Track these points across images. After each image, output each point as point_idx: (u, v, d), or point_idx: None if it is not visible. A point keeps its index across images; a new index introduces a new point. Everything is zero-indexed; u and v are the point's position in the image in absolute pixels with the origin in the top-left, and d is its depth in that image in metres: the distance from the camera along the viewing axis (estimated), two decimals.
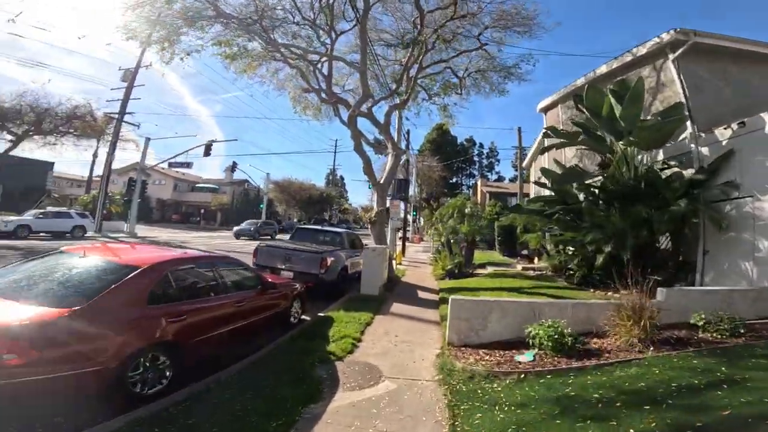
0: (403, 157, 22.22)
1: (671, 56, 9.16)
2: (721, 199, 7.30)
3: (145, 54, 21.85)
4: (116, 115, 25.87)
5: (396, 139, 18.47)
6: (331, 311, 7.59)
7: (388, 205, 18.43)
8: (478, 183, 43.64)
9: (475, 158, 62.54)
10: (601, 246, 7.46)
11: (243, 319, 5.14)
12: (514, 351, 5.07)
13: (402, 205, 17.52)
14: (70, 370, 3.02)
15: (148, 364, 3.73)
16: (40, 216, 20.72)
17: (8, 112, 17.53)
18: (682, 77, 8.87)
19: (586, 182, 9.04)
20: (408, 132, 23.06)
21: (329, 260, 8.75)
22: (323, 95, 13.57)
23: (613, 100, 8.52)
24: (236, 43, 11.66)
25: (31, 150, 21.25)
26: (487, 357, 4.95)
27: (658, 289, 5.80)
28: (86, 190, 37.76)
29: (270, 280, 6.19)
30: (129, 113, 26.62)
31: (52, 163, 36.83)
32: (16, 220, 19.20)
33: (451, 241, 13.90)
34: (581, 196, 10.02)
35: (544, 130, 17.03)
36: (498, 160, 64.95)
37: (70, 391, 3.11)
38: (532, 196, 21.53)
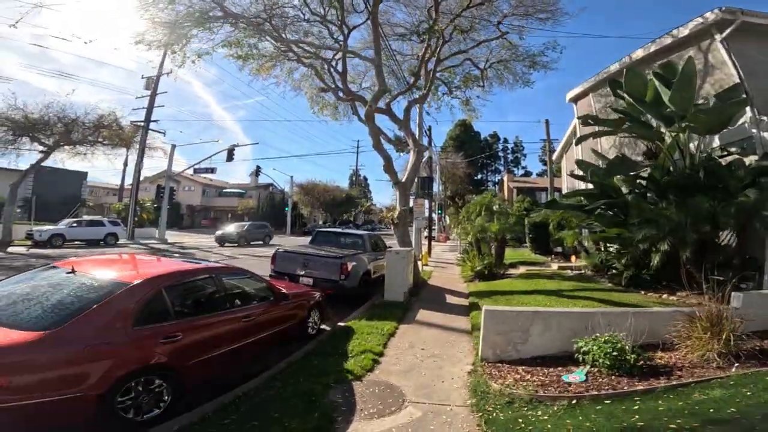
0: (426, 154, 21.55)
1: (718, 37, 8.23)
2: None
3: (166, 61, 22.17)
4: (142, 123, 26.48)
5: (417, 136, 17.82)
6: (353, 320, 7.05)
7: (411, 204, 17.84)
8: (505, 179, 42.23)
9: (500, 154, 60.82)
10: (655, 243, 6.55)
11: (253, 334, 4.67)
12: (560, 369, 4.35)
13: (426, 203, 16.82)
14: (44, 397, 2.71)
15: (140, 389, 3.31)
16: (74, 225, 21.39)
17: (37, 123, 18.02)
18: (734, 58, 7.84)
19: (632, 173, 8.07)
20: (429, 128, 22.37)
21: (350, 265, 8.22)
22: (340, 94, 13.10)
23: (658, 84, 7.59)
24: (247, 43, 11.37)
25: (62, 161, 21.96)
26: (529, 376, 4.24)
27: (733, 293, 4.90)
28: (119, 198, 39.06)
29: (284, 289, 5.71)
30: (154, 121, 27.23)
31: (86, 173, 38.27)
32: (50, 229, 19.82)
33: (480, 240, 13.10)
34: (625, 189, 9.07)
35: (577, 119, 15.98)
36: (524, 155, 63.02)
37: (49, 418, 2.78)
38: (564, 190, 20.33)
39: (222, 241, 24.66)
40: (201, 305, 4.11)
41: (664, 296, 7.78)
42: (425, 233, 21.09)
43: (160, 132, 28.33)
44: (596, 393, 3.68)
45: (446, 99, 17.14)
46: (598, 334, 4.23)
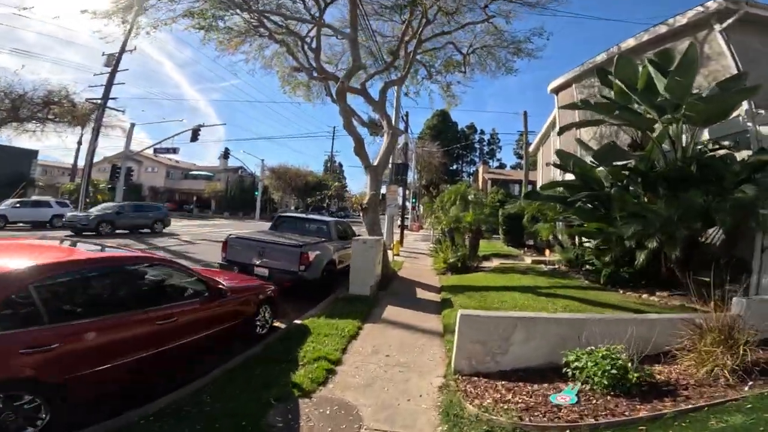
0: (401, 139, 20.69)
1: (717, 27, 7.80)
2: None
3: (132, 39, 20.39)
4: (99, 101, 24.33)
5: (393, 120, 16.94)
6: (311, 318, 6.22)
7: (383, 190, 17.01)
8: (480, 169, 42.06)
9: (476, 145, 60.78)
10: (643, 240, 6.05)
11: (177, 338, 3.76)
12: (546, 386, 3.69)
13: (400, 191, 16.05)
14: None
15: (1, 406, 2.43)
16: (17, 206, 19.44)
17: None
18: (732, 49, 7.40)
19: (620, 164, 7.55)
20: (407, 114, 21.51)
21: (312, 255, 7.33)
22: (313, 73, 12.09)
23: (653, 71, 7.03)
24: (211, 13, 10.12)
25: (9, 138, 19.82)
26: (510, 396, 3.56)
27: (735, 299, 4.40)
28: (71, 178, 36.23)
29: (226, 283, 4.79)
30: (112, 98, 25.12)
31: (36, 151, 35.10)
32: None
33: (454, 230, 12.49)
34: (606, 182, 8.58)
35: (558, 110, 15.54)
36: (500, 147, 63.24)
37: None
38: (540, 183, 20.08)
39: (72, 227, 16.79)
40: (96, 305, 3.17)
41: (644, 296, 7.38)
42: (398, 222, 20.40)
43: (118, 110, 26.17)
44: (593, 422, 3.02)
45: (426, 84, 16.40)
46: (593, 347, 3.58)
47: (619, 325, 3.92)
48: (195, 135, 27.20)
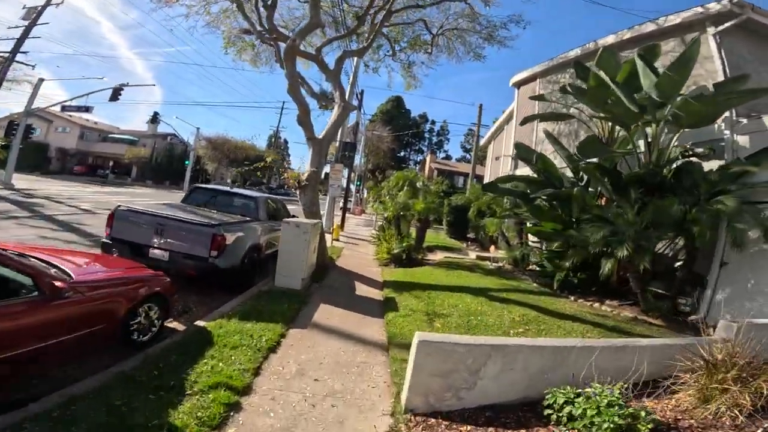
0: (353, 117, 19.26)
1: (711, 30, 7.44)
2: (763, 201, 5.59)
3: None
4: (9, 55, 20.26)
5: (348, 95, 15.50)
6: (221, 318, 4.87)
7: (327, 169, 15.57)
8: (428, 158, 41.87)
9: (426, 134, 60.79)
10: (614, 248, 5.48)
11: None
12: (522, 431, 2.79)
13: (345, 171, 14.72)
14: None
15: None
16: None
17: None
18: (723, 55, 7.08)
19: (591, 161, 6.94)
20: (362, 93, 20.03)
21: (228, 237, 5.88)
22: (265, 35, 10.29)
23: (641, 66, 6.45)
24: None
25: None
26: None
27: (721, 321, 3.83)
28: None
29: (82, 275, 3.30)
30: (22, 52, 21.20)
31: None
32: None
33: (400, 218, 11.55)
34: (567, 181, 8.08)
35: (517, 103, 15.15)
36: (448, 139, 63.93)
37: None
38: (487, 177, 19.93)
39: None
40: None
41: (596, 305, 6.97)
42: (340, 204, 19.11)
43: (27, 64, 22.34)
44: None
45: (387, 60, 15.17)
46: (589, 389, 2.71)
47: (608, 353, 3.13)
48: (116, 95, 23.66)
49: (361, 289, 7.62)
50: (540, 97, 9.70)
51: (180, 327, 4.80)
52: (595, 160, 6.76)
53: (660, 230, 5.46)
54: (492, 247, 12.26)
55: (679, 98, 5.75)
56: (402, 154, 53.94)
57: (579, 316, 6.11)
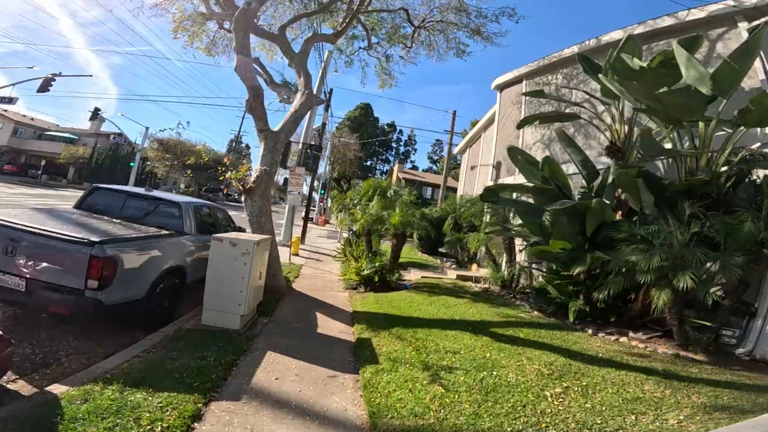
0: (319, 117, 17.45)
1: (744, 25, 6.44)
2: None
3: None
4: None
5: (316, 89, 13.76)
6: (93, 383, 2.98)
7: (286, 174, 13.59)
8: (395, 168, 40.63)
9: (393, 144, 59.78)
10: (673, 277, 4.11)
11: None
12: None
13: (308, 177, 12.82)
14: None
15: None
16: None
17: None
18: (762, 51, 6.04)
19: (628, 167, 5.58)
20: (331, 91, 18.31)
21: (122, 260, 3.93)
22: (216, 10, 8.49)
23: (683, 57, 5.21)
24: None
25: None
26: None
27: None
28: None
29: None
30: None
31: None
32: None
33: (372, 232, 9.84)
34: (577, 191, 6.75)
35: (497, 103, 13.97)
36: (415, 150, 63.31)
37: None
38: (461, 187, 18.73)
39: None
40: None
41: (622, 340, 5.59)
42: (302, 214, 17.14)
43: None
44: None
45: (361, 54, 13.67)
46: None
47: None
48: (45, 85, 20.55)
49: (326, 325, 5.81)
50: (538, 93, 8.44)
51: (27, 389, 2.90)
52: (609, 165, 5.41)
53: (726, 253, 4.16)
54: (474, 266, 10.85)
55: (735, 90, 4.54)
56: (369, 163, 52.47)
57: (616, 360, 4.64)
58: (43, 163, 40.41)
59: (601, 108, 7.78)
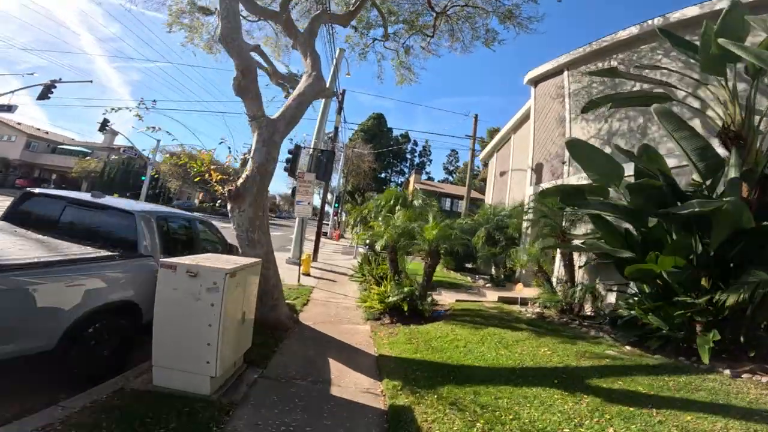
0: (330, 123, 15.90)
1: None
2: None
3: None
4: None
5: (329, 82, 12.34)
6: None
7: (294, 184, 12.01)
8: (411, 179, 38.96)
9: (407, 155, 58.32)
10: None
11: None
12: None
13: (319, 184, 11.18)
14: None
15: None
16: None
17: None
18: None
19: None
20: (344, 92, 16.85)
21: (7, 296, 2.32)
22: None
23: None
24: None
25: None
26: None
27: None
28: None
29: None
30: None
31: None
32: None
33: (396, 249, 8.06)
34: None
35: (534, 99, 12.22)
36: (430, 160, 61.61)
37: None
38: (490, 194, 16.92)
39: None
40: None
41: (765, 379, 3.69)
42: (312, 227, 15.54)
43: None
44: None
45: (377, 47, 12.25)
46: None
47: None
48: (46, 92, 19.85)
49: (343, 380, 4.07)
50: (610, 72, 6.73)
51: None
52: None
53: None
54: (517, 286, 8.96)
55: None
56: (383, 175, 51.02)
57: None
58: (53, 177, 40.20)
59: (680, 93, 6.00)
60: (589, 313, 7.37)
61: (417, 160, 59.29)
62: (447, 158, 61.27)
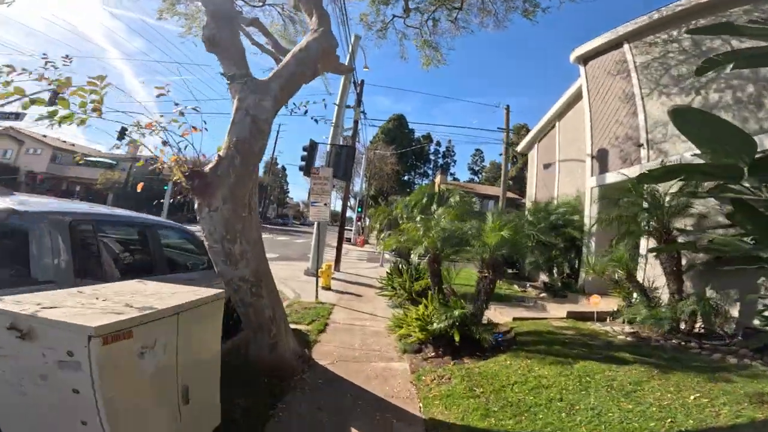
0: (349, 120, 14.16)
1: None
2: None
3: None
4: None
5: (348, 60, 10.77)
6: None
7: (311, 185, 10.36)
8: (437, 179, 37.01)
9: (431, 156, 56.29)
10: None
11: None
12: None
13: (333, 181, 9.43)
14: None
15: None
16: None
17: None
18: None
19: None
20: (362, 83, 15.27)
21: None
22: None
23: None
24: None
25: None
26: None
27: None
28: None
29: None
30: None
31: None
32: None
33: (438, 258, 6.20)
34: None
35: (586, 78, 10.27)
36: (454, 161, 59.30)
37: None
38: (532, 188, 14.90)
39: None
40: None
41: None
42: (334, 233, 13.95)
43: None
44: None
45: (397, 24, 10.65)
46: None
47: None
48: (53, 99, 19.16)
49: None
50: (724, 28, 4.93)
51: None
52: None
53: None
54: (593, 298, 7.00)
55: None
56: (406, 177, 49.23)
57: None
58: (77, 189, 40.61)
59: None
60: (699, 331, 5.46)
61: (441, 161, 57.19)
62: (471, 158, 58.89)
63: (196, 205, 3.23)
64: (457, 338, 4.68)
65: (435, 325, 4.79)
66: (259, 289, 3.29)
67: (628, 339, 5.55)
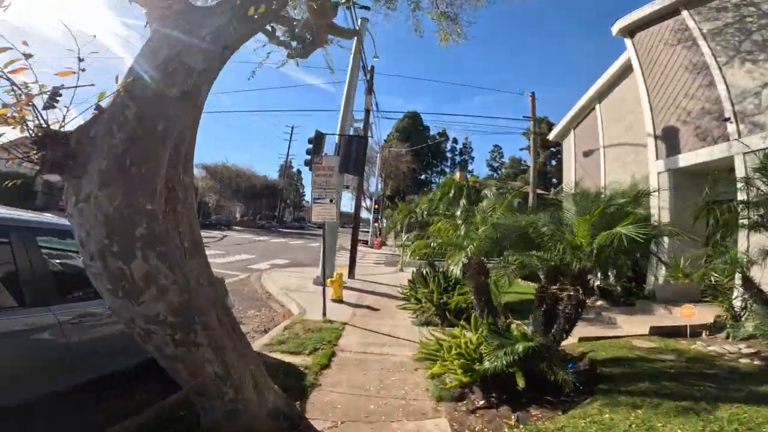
0: (359, 112, 12.52)
1: None
2: None
3: None
4: None
5: (348, 80, 9.37)
6: None
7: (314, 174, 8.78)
8: (457, 175, 35.22)
9: (447, 153, 54.46)
10: None
11: None
12: None
13: (337, 171, 7.84)
14: None
15: None
16: None
17: None
18: None
19: None
20: (372, 69, 13.84)
21: None
22: None
23: None
24: None
25: None
26: None
27: None
28: None
29: None
30: None
31: None
32: None
33: (481, 270, 4.59)
34: None
35: (635, 52, 8.64)
36: (472, 158, 57.28)
37: None
38: (571, 178, 13.18)
39: None
40: None
41: None
42: (339, 234, 12.49)
43: None
44: None
45: None
46: None
47: None
48: (53, 99, 18.35)
49: None
50: None
51: None
52: None
53: None
54: (686, 308, 5.28)
55: None
56: (423, 176, 47.58)
57: None
58: None
59: None
60: None
61: (458, 158, 55.27)
62: (490, 154, 56.72)
63: (64, 196, 1.84)
64: (521, 383, 3.14)
65: (487, 364, 3.25)
66: (188, 335, 1.87)
67: (756, 362, 3.95)
